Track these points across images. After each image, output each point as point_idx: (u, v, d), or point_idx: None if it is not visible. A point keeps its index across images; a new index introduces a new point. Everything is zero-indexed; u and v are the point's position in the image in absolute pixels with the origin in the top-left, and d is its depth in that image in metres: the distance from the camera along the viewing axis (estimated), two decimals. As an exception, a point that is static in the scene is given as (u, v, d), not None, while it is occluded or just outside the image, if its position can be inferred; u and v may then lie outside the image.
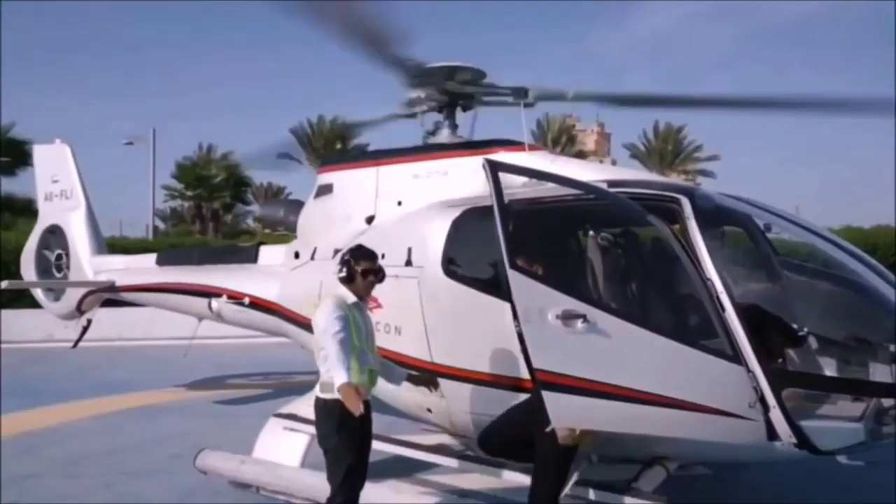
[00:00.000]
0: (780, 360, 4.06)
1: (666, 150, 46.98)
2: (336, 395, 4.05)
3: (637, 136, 49.44)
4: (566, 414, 3.59)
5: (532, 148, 5.44)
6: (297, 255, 7.06)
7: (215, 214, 37.08)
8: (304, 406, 5.89)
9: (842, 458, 4.06)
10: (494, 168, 3.78)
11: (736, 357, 3.81)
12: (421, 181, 5.96)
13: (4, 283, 9.73)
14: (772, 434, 3.83)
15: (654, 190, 4.44)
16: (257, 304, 7.40)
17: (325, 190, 6.82)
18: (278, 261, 7.39)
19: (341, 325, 4.02)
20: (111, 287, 9.44)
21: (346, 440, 4.09)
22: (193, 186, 36.21)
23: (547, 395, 3.44)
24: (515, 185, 4.85)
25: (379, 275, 4.29)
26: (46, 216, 10.72)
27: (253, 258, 7.81)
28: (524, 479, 5.09)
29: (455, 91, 6.03)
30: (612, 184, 4.60)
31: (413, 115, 6.55)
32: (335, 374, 3.97)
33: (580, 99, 5.57)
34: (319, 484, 5.22)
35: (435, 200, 5.55)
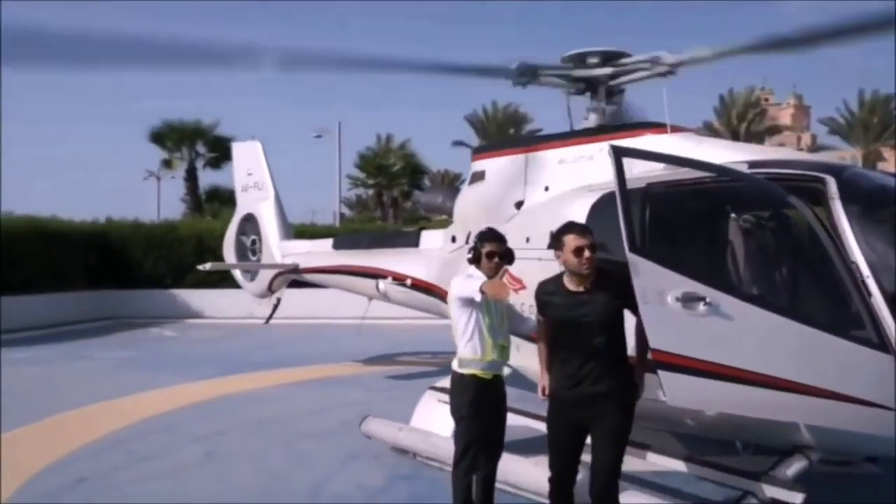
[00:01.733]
0: None
1: (871, 123, 42.43)
2: (471, 370, 4.34)
3: (836, 108, 45.06)
4: (683, 394, 3.62)
5: (675, 129, 5.36)
6: (453, 240, 7.45)
7: (395, 201, 38.98)
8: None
9: None
10: (618, 153, 3.86)
11: (882, 344, 3.61)
12: (567, 166, 6.08)
13: (208, 265, 11.14)
14: (913, 427, 3.59)
15: (797, 170, 4.27)
16: (418, 286, 7.91)
17: (478, 177, 7.12)
18: (437, 245, 7.81)
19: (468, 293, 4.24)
20: (295, 269, 10.46)
21: (475, 413, 4.34)
22: (374, 175, 38.28)
23: (663, 375, 3.49)
24: (657, 169, 4.86)
25: (505, 258, 4.46)
26: (243, 206, 12.02)
27: (415, 242, 8.32)
28: (666, 461, 5.13)
29: (590, 76, 6.11)
30: (752, 164, 4.47)
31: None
32: (469, 288, 4.19)
33: (722, 55, 5.37)
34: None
35: (580, 185, 5.67)
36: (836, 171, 4.14)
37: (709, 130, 43.06)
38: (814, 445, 4.11)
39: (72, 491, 5.61)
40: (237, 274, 12.11)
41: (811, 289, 4.14)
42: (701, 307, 3.55)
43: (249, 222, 11.74)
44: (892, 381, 3.58)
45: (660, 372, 3.49)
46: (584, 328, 3.88)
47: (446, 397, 6.24)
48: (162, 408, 8.50)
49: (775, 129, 47.46)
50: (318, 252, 10.15)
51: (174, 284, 20.84)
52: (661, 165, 4.81)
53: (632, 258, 3.55)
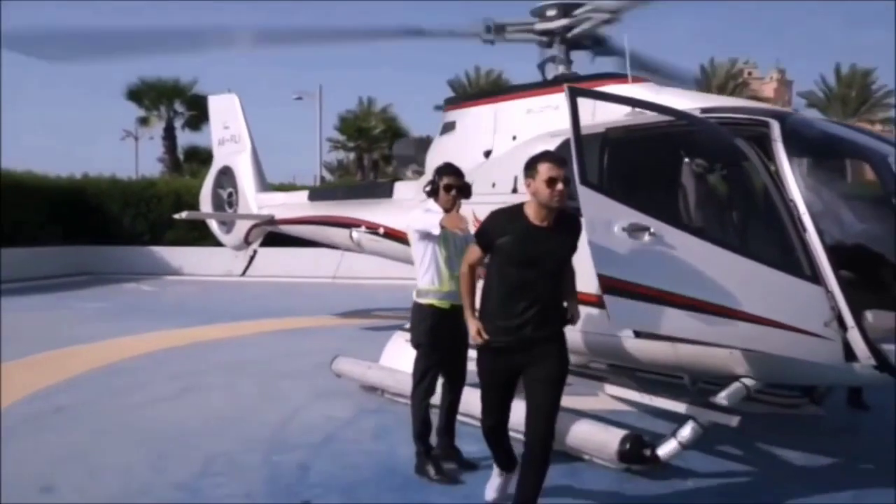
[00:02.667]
0: (861, 282, 4.04)
1: (849, 97, 42.88)
2: (429, 300, 4.56)
3: (814, 82, 45.44)
4: (627, 318, 3.88)
5: (636, 80, 5.57)
6: (415, 190, 7.64)
7: (375, 164, 38.93)
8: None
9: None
10: (573, 94, 4.04)
11: (814, 276, 3.87)
12: (534, 116, 6.28)
13: (184, 214, 11.26)
14: (849, 355, 3.87)
15: (745, 115, 4.50)
16: (390, 234, 8.12)
17: (449, 127, 7.30)
18: (410, 195, 8.00)
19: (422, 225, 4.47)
20: (271, 220, 10.61)
21: (433, 341, 4.57)
22: (354, 138, 38.14)
23: (608, 299, 3.73)
24: (619, 116, 5.08)
25: (462, 191, 4.62)
26: (219, 159, 12.10)
27: (389, 193, 8.50)
28: (616, 401, 5.43)
29: (551, 29, 6.33)
30: (704, 110, 4.70)
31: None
32: (427, 221, 4.39)
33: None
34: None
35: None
36: (780, 116, 4.38)
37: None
38: (751, 374, 4.39)
39: (50, 417, 5.81)
40: (214, 226, 12.22)
41: (751, 224, 4.41)
42: (646, 237, 3.78)
43: (226, 175, 11.82)
44: (820, 310, 3.86)
45: (605, 296, 3.73)
46: (540, 266, 3.59)
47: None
48: (138, 351, 8.67)
49: (756, 101, 47.73)
50: (293, 204, 10.30)
51: (152, 241, 20.87)
52: (622, 113, 5.04)
53: (581, 190, 3.76)
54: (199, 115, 30.47)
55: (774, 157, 4.13)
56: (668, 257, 3.79)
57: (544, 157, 3.64)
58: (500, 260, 3.66)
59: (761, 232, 4.28)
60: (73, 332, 10.00)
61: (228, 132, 12.04)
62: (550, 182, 3.51)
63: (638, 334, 4.71)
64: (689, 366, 4.65)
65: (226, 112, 12.18)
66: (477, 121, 6.93)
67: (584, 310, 4.23)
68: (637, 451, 4.40)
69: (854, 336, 3.84)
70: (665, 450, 4.41)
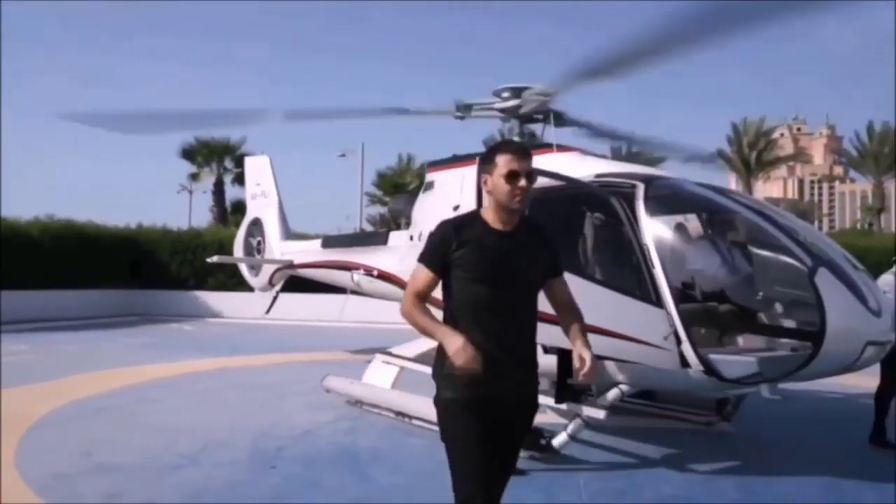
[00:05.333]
0: (692, 307, 5.25)
1: (882, 154, 43.21)
2: None
3: (849, 139, 45.90)
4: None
5: (561, 149, 6.92)
6: (411, 238, 9.03)
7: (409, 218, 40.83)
8: (400, 349, 7.92)
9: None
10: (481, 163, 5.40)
11: (658, 302, 5.10)
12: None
13: (216, 258, 12.89)
14: (684, 363, 5.06)
15: (623, 179, 5.79)
16: (382, 276, 9.51)
17: (429, 186, 8.71)
18: (400, 242, 9.40)
19: None
20: (291, 265, 12.13)
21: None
22: (391, 193, 40.12)
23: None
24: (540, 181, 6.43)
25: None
26: (251, 211, 13.77)
27: (384, 241, 9.91)
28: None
29: (505, 108, 7.74)
30: (598, 175, 6.02)
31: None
32: None
33: (559, 89, 7.02)
34: (398, 399, 7.19)
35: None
36: (648, 179, 5.67)
37: (721, 158, 44.22)
38: (626, 381, 5.57)
39: (93, 416, 7.28)
40: (244, 270, 13.82)
41: (614, 263, 5.65)
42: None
43: (256, 225, 13.46)
44: (665, 328, 5.07)
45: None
46: (516, 281, 2.79)
47: (389, 359, 7.87)
48: (169, 374, 10.17)
49: (783, 159, 48.29)
50: (309, 250, 11.80)
51: (197, 286, 22.73)
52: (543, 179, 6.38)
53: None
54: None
55: (635, 211, 5.40)
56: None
57: (503, 146, 2.93)
58: (460, 279, 2.78)
59: (621, 269, 5.52)
60: (117, 359, 11.58)
61: (259, 188, 13.73)
62: (511, 177, 2.77)
63: (546, 348, 5.94)
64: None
65: (258, 171, 13.91)
66: (449, 181, 8.31)
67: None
68: (536, 442, 5.59)
69: (686, 348, 5.03)
70: (558, 440, 5.61)
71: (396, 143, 52.28)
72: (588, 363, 2.76)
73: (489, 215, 2.88)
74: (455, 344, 2.66)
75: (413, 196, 9.67)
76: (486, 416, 2.78)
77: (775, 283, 5.35)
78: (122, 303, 21.54)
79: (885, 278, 6.43)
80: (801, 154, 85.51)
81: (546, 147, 6.99)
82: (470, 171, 8.08)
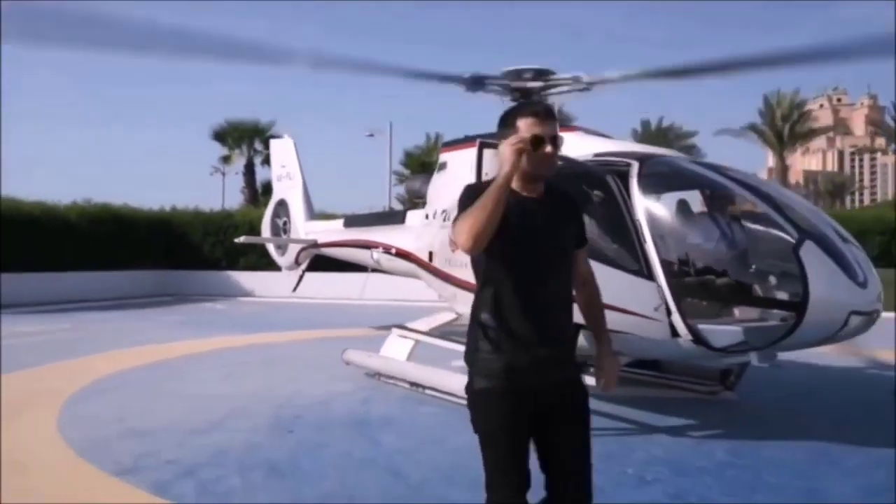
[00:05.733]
0: (682, 279, 5.49)
1: (919, 125, 42.20)
2: None
3: (887, 110, 44.86)
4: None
5: (564, 129, 7.12)
6: (427, 217, 9.35)
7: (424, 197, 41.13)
8: (416, 324, 8.29)
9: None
10: (481, 146, 5.68)
11: (649, 275, 5.35)
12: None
13: (242, 238, 13.39)
14: (674, 332, 5.31)
15: (621, 157, 6.02)
16: (400, 254, 9.85)
17: (443, 166, 9.00)
18: (417, 221, 9.73)
19: None
20: (315, 244, 12.54)
21: None
22: (418, 172, 40.46)
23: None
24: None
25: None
26: (277, 192, 14.21)
27: (402, 220, 10.24)
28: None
29: (524, 88, 7.88)
30: (597, 154, 6.25)
31: None
32: None
33: (629, 79, 7.10)
34: (413, 371, 7.57)
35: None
36: (643, 157, 5.89)
37: (753, 131, 43.64)
38: (618, 350, 5.83)
39: (127, 387, 7.79)
40: (271, 250, 14.29)
41: (610, 238, 5.89)
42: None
43: (282, 206, 13.90)
44: (656, 300, 5.33)
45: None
46: (556, 248, 2.62)
47: (405, 333, 8.24)
48: (200, 349, 10.69)
49: (817, 131, 47.40)
50: (332, 230, 12.20)
51: (229, 266, 23.40)
52: None
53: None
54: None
55: (629, 188, 5.64)
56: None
57: (524, 108, 2.66)
58: (495, 245, 2.48)
59: (615, 243, 5.76)
60: (151, 336, 12.16)
61: (285, 170, 14.15)
62: (535, 142, 2.52)
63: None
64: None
65: (283, 153, 14.32)
66: (462, 161, 8.57)
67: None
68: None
69: (676, 319, 5.28)
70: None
71: (424, 123, 52.61)
72: (610, 376, 2.76)
73: (514, 181, 2.56)
74: (508, 146, 2.49)
75: (428, 176, 9.97)
76: (527, 407, 2.55)
77: (763, 256, 5.56)
78: (157, 283, 22.30)
79: None
80: (838, 126, 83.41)
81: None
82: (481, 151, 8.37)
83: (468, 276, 5.40)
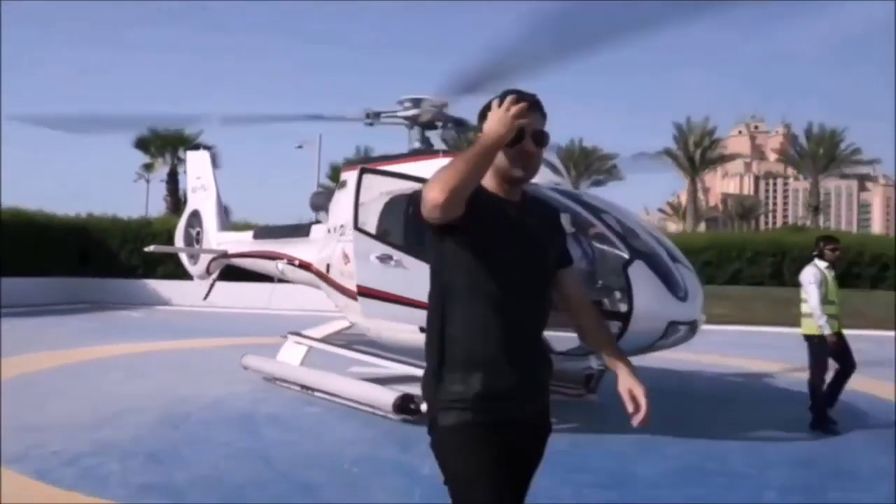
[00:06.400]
0: None
1: (818, 155, 45.25)
2: None
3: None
4: (373, 310, 6.11)
5: (446, 154, 7.88)
6: (328, 231, 9.94)
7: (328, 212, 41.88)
8: (311, 331, 8.87)
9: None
10: (361, 172, 6.36)
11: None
12: (385, 178, 8.60)
13: (152, 247, 13.66)
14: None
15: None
16: (302, 265, 10.38)
17: (343, 185, 9.60)
18: (320, 235, 10.30)
19: None
20: (225, 254, 12.92)
21: None
22: (343, 185, 41.07)
23: (362, 300, 5.97)
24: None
25: None
26: (191, 203, 14.50)
27: (306, 233, 10.79)
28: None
29: (409, 116, 8.67)
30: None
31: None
32: None
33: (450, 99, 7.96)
34: (304, 375, 8.13)
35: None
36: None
37: (668, 155, 45.89)
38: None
39: (27, 388, 8.09)
40: (184, 260, 14.55)
41: None
42: (391, 262, 6.05)
43: (196, 217, 14.19)
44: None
45: (360, 297, 5.98)
46: (539, 263, 2.24)
47: (299, 339, 8.80)
48: (106, 355, 10.97)
49: (727, 157, 50.21)
50: (242, 241, 12.60)
51: (147, 275, 23.34)
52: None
53: (355, 233, 6.05)
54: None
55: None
56: (404, 275, 6.06)
57: (505, 96, 2.12)
58: (468, 248, 2.12)
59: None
60: (63, 343, 12.32)
61: (199, 182, 14.46)
62: (514, 139, 2.09)
63: (422, 329, 6.92)
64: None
65: (199, 165, 14.65)
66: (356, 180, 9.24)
67: (384, 308, 6.43)
68: (407, 406, 6.57)
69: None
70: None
71: (355, 136, 53.06)
72: (644, 407, 2.16)
73: (489, 182, 2.18)
74: (497, 112, 2.03)
75: (331, 192, 10.57)
76: (500, 445, 2.12)
77: (602, 273, 6.40)
78: (71, 291, 22.06)
79: (806, 270, 7.02)
80: (754, 152, 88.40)
81: (433, 153, 7.94)
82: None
83: (378, 285, 6.04)
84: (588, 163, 44.69)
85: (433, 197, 1.95)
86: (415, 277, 6.09)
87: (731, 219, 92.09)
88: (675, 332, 6.08)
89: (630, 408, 2.18)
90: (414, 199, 2.09)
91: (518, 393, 2.18)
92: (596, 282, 6.56)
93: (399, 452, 5.78)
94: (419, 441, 6.32)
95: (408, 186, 7.09)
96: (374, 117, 9.20)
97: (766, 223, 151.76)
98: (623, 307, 5.95)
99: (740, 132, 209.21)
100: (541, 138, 2.20)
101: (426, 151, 8.12)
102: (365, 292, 5.95)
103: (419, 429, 6.55)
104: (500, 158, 2.14)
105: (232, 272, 14.03)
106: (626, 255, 5.98)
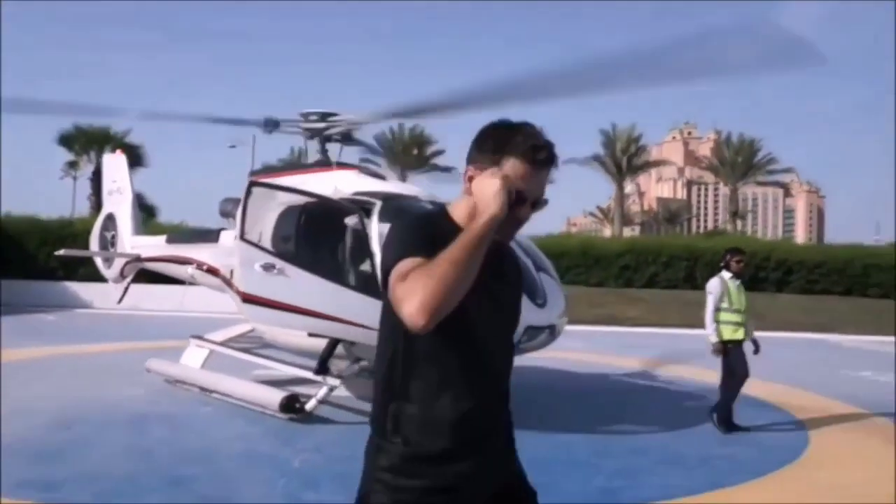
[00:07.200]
0: None
1: (737, 162, 47.47)
2: None
3: (710, 149, 50.18)
4: (260, 318, 6.55)
5: (342, 167, 8.36)
6: (235, 238, 10.29)
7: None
8: (213, 335, 9.21)
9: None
10: (250, 185, 6.79)
11: (379, 295, 6.61)
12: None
13: (62, 251, 13.71)
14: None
15: (370, 198, 7.29)
16: (210, 270, 10.70)
17: (249, 193, 10.00)
18: (229, 241, 10.63)
19: None
20: (138, 258, 13.09)
21: None
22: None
23: (247, 307, 6.41)
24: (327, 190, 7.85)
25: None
26: (107, 207, 14.57)
27: (216, 239, 11.09)
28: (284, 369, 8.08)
29: (312, 128, 9.10)
30: (356, 192, 7.50)
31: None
32: None
33: (367, 121, 8.47)
34: (204, 377, 8.48)
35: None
36: (386, 198, 7.19)
37: (596, 161, 47.32)
38: (363, 356, 7.10)
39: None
40: (99, 263, 14.60)
41: (351, 266, 7.16)
42: (274, 271, 6.50)
43: (111, 220, 14.27)
44: (375, 314, 6.58)
45: (244, 304, 6.40)
46: (503, 319, 2.01)
47: (201, 343, 9.15)
48: (11, 358, 11.03)
49: (653, 163, 52.10)
50: (154, 245, 12.81)
51: (67, 277, 23.00)
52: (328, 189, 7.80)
53: (238, 243, 6.46)
54: (129, 161, 32.92)
55: (371, 223, 6.91)
56: (286, 283, 6.52)
57: (522, 143, 1.81)
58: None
59: (355, 269, 7.04)
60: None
61: (115, 185, 14.56)
62: (516, 200, 1.81)
63: (311, 334, 7.39)
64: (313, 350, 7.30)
65: (114, 169, 14.74)
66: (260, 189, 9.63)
67: (269, 314, 6.87)
68: (293, 405, 7.02)
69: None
70: (310, 405, 7.07)
71: (290, 137, 52.80)
72: None
73: (463, 223, 1.84)
74: (488, 183, 1.75)
75: (238, 200, 10.92)
76: None
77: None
78: (-12, 293, 21.58)
79: (711, 281, 7.38)
80: (667, 161, 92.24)
81: (326, 166, 8.41)
82: (276, 182, 9.45)
83: (263, 292, 6.48)
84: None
85: (411, 316, 1.61)
86: (298, 286, 6.57)
87: (658, 222, 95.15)
88: (535, 336, 6.71)
89: None
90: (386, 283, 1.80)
91: (489, 467, 1.94)
92: None
93: (275, 447, 6.24)
94: (298, 437, 6.81)
95: (295, 199, 7.56)
96: (272, 125, 9.59)
97: (698, 227, 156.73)
98: None
99: (674, 138, 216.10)
100: (540, 202, 1.85)
101: (322, 164, 8.58)
102: (249, 299, 6.39)
103: (300, 426, 7.05)
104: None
105: (158, 275, 14.17)
106: None
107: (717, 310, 7.22)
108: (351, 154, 9.84)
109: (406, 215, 1.97)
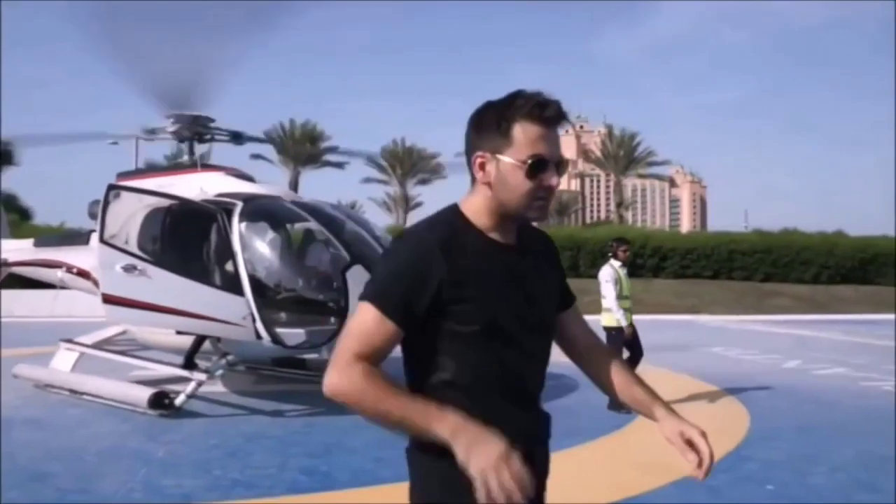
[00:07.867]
0: (265, 295, 7.22)
1: (619, 156, 49.95)
2: None
3: (594, 143, 52.55)
4: (121, 318, 6.77)
5: (207, 168, 8.60)
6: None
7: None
8: (84, 338, 9.23)
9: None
10: (108, 188, 6.97)
11: (240, 292, 6.96)
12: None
13: (-77, 258, 13.12)
14: (258, 335, 6.96)
15: (233, 199, 7.60)
16: (80, 273, 10.65)
17: (116, 195, 10.02)
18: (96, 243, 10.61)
19: None
20: (5, 263, 12.74)
21: None
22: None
23: (108, 308, 6.61)
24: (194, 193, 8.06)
25: None
26: (-29, 211, 14.06)
27: (86, 241, 11.01)
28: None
29: (182, 133, 9.28)
30: (219, 194, 7.78)
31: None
32: None
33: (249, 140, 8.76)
34: (74, 380, 8.52)
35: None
36: (247, 199, 7.52)
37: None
38: (227, 350, 7.41)
39: None
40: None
41: (211, 264, 7.47)
42: (135, 272, 6.72)
43: (-23, 225, 13.79)
44: (244, 311, 6.93)
45: (105, 305, 6.60)
46: (539, 329, 1.79)
47: (71, 346, 9.15)
48: None
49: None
50: (22, 249, 12.51)
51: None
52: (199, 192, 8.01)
53: (100, 246, 6.64)
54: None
55: (231, 223, 7.23)
56: (148, 283, 6.75)
57: (528, 104, 1.62)
58: (454, 337, 1.64)
59: (215, 267, 7.36)
60: None
61: (-21, 188, 14.05)
62: (536, 166, 1.62)
63: (179, 332, 7.62)
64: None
65: (-22, 171, 14.21)
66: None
67: (130, 314, 7.06)
68: (161, 401, 7.26)
69: (259, 325, 6.94)
70: (179, 400, 7.32)
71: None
72: (707, 454, 1.67)
73: (482, 220, 1.70)
74: (492, 449, 1.44)
75: (105, 201, 10.90)
76: None
77: (328, 276, 7.45)
78: None
79: (603, 270, 7.77)
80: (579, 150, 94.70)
81: (191, 168, 8.63)
82: (142, 184, 9.56)
83: (124, 292, 6.69)
84: (412, 162, 46.36)
85: (325, 385, 1.53)
86: (159, 285, 6.82)
87: (550, 214, 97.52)
88: None
89: (691, 458, 1.69)
90: None
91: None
92: (317, 283, 7.58)
93: (140, 442, 6.48)
94: (165, 431, 7.04)
95: (156, 201, 7.78)
96: (150, 133, 9.72)
97: (591, 218, 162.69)
98: (341, 305, 7.03)
99: (567, 131, 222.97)
100: (563, 166, 1.67)
101: (186, 166, 8.79)
102: (110, 300, 6.59)
103: (167, 421, 7.28)
104: (512, 195, 1.63)
105: (28, 279, 13.73)
106: (347, 261, 7.05)
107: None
108: (241, 153, 10.07)
109: (410, 239, 1.65)
